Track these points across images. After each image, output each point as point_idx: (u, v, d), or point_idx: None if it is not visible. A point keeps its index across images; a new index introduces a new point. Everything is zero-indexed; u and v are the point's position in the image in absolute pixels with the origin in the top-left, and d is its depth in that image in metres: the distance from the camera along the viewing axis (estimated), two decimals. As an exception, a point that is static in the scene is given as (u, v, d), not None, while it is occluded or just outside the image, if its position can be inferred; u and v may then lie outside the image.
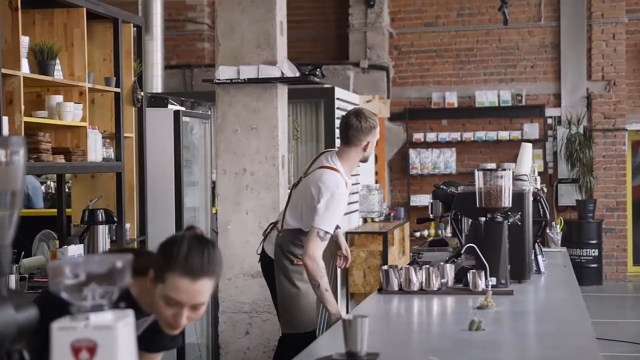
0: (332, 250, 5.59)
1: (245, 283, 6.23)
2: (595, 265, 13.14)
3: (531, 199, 5.19)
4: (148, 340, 2.94)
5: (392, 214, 11.34)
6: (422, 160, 13.80)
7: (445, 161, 13.72)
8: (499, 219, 4.87)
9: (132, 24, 6.22)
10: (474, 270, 4.65)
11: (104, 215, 5.76)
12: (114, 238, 5.94)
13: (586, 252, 13.08)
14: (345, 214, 8.14)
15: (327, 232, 4.84)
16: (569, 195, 13.46)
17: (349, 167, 5.07)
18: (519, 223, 5.03)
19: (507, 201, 4.87)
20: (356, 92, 13.34)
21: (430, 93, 13.93)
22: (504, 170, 4.91)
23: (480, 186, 4.90)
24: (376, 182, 12.90)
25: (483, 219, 4.87)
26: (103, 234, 5.76)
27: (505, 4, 10.43)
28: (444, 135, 13.76)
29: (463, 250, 4.87)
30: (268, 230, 5.23)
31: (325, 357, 3.07)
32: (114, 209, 5.95)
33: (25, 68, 4.97)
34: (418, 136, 13.84)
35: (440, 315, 4.23)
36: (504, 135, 13.52)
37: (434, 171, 13.69)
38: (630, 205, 13.85)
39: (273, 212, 6.05)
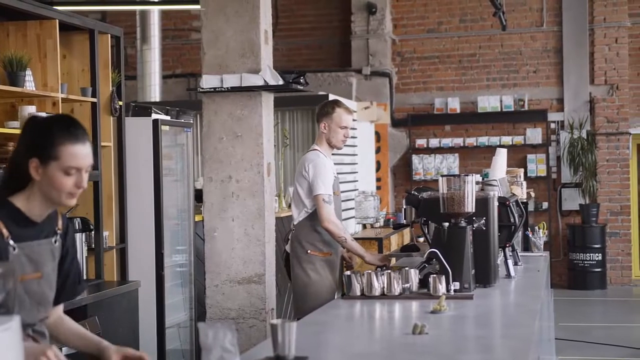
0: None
1: (231, 290, 6.27)
2: (599, 270, 13.11)
3: (496, 204, 5.21)
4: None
5: (391, 219, 11.36)
6: (425, 166, 13.81)
7: (448, 167, 13.72)
8: (463, 224, 4.91)
9: (109, 35, 6.29)
10: (434, 275, 4.68)
11: (80, 223, 5.85)
12: (92, 246, 6.02)
13: (590, 256, 13.05)
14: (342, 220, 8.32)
15: (329, 195, 5.59)
16: (572, 200, 13.43)
17: (324, 148, 5.83)
18: (484, 228, 5.06)
19: (470, 206, 4.90)
20: (359, 99, 13.39)
21: (432, 99, 13.95)
22: (467, 176, 4.94)
23: (443, 192, 4.94)
24: (378, 188, 12.95)
25: (446, 224, 4.90)
26: (80, 241, 5.84)
27: (500, 9, 10.43)
28: (447, 141, 13.77)
29: (425, 255, 4.90)
30: (287, 236, 5.94)
31: (253, 361, 3.11)
32: (92, 217, 6.03)
33: (-8, 80, 5.06)
34: (421, 142, 13.86)
35: (392, 320, 4.26)
36: (506, 140, 13.50)
37: (437, 177, 13.61)
38: (635, 209, 13.81)
39: (259, 219, 6.10)
